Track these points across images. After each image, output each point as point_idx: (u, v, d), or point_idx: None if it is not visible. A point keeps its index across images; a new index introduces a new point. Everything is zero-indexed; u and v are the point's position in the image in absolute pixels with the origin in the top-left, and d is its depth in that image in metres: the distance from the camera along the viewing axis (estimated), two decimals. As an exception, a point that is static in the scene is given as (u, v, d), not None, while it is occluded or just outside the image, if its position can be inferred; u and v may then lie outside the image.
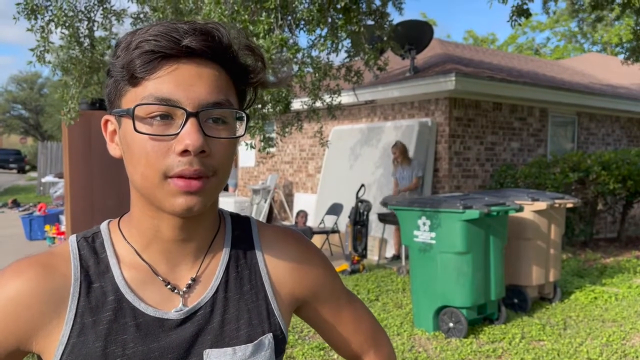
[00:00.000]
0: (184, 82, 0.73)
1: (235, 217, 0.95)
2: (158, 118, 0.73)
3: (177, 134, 0.72)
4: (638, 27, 8.11)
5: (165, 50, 0.73)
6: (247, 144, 4.73)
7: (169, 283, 0.83)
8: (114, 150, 0.82)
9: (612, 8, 7.92)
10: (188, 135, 0.71)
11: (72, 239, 0.85)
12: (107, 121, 0.83)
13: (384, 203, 7.13)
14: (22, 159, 37.28)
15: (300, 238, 0.98)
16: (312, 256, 0.97)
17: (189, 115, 0.72)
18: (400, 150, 7.62)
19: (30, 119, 46.37)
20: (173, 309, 0.81)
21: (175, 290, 0.83)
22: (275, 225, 1.01)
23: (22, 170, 36.71)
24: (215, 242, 0.88)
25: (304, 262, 0.95)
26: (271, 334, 0.87)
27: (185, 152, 0.72)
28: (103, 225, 0.87)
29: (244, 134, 0.79)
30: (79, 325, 0.77)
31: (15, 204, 15.38)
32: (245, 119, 0.80)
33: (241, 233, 0.93)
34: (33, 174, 31.56)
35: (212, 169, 0.75)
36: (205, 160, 0.74)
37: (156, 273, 0.83)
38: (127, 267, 0.82)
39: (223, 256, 0.88)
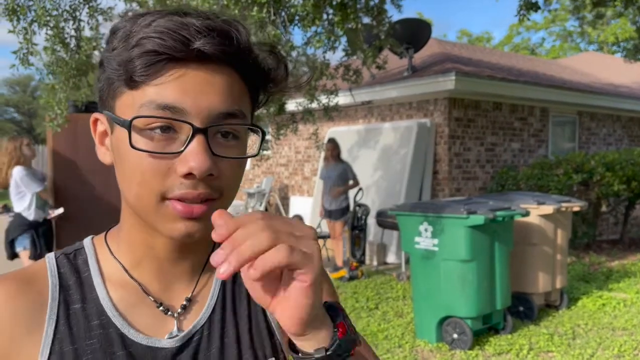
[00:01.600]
0: (193, 90, 0.62)
1: None
2: (158, 130, 0.62)
3: (181, 151, 0.62)
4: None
5: (172, 52, 0.60)
6: None
7: (161, 304, 0.72)
8: (103, 155, 0.70)
9: (614, 5, 7.75)
10: (194, 156, 0.61)
11: (50, 255, 0.74)
12: (96, 120, 0.71)
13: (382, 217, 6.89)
14: (15, 163, 36.93)
15: None
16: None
17: (196, 131, 0.61)
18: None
19: (23, 122, 46.07)
20: (167, 334, 0.71)
21: (169, 313, 0.73)
22: None
23: (15, 174, 36.38)
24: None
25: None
26: (273, 358, 0.77)
27: (189, 175, 0.61)
28: (87, 241, 0.76)
29: (258, 153, 0.68)
30: (57, 355, 0.65)
31: (6, 209, 15.10)
32: (260, 134, 0.68)
33: None
34: (26, 178, 31.18)
35: (218, 191, 0.65)
36: (212, 182, 0.63)
37: (147, 293, 0.72)
38: (115, 286, 0.72)
39: None
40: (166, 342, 0.70)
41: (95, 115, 0.71)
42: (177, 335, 0.71)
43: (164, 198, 0.63)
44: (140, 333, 0.70)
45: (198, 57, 0.62)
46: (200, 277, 0.76)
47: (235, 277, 0.78)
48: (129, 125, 0.62)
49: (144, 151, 0.62)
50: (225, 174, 0.65)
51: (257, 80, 0.69)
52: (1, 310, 0.65)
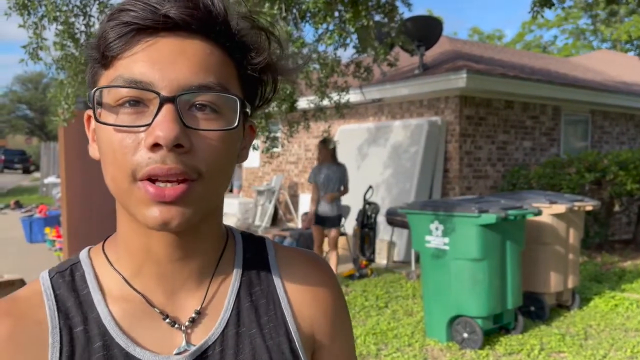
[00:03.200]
0: (162, 60, 0.59)
1: (247, 236, 0.79)
2: (127, 105, 0.59)
3: (149, 124, 0.57)
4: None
5: (140, 21, 0.58)
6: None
7: (167, 316, 0.67)
8: (93, 151, 0.66)
9: (628, 2, 7.65)
10: (160, 125, 0.56)
11: (45, 275, 0.68)
12: (89, 117, 0.68)
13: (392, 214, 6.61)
14: (27, 159, 37.33)
15: (325, 266, 0.82)
16: (337, 291, 0.81)
17: (164, 100, 0.57)
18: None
19: (35, 119, 46.46)
20: (175, 349, 0.66)
21: (176, 325, 0.67)
22: (294, 247, 0.83)
23: (27, 171, 36.72)
24: (222, 264, 0.72)
25: (328, 295, 0.78)
26: None
27: (156, 147, 0.57)
28: (83, 254, 0.71)
29: (236, 126, 0.62)
30: None
31: (18, 205, 15.24)
32: (238, 105, 0.62)
33: (255, 255, 0.76)
34: (37, 175, 31.51)
35: (195, 170, 0.58)
36: (185, 158, 0.58)
37: (151, 304, 0.67)
38: (116, 301, 0.67)
39: (233, 282, 0.72)
40: (175, 358, 0.65)
41: (88, 111, 0.67)
42: (186, 350, 0.66)
43: (135, 178, 0.58)
44: (146, 350, 0.65)
45: (168, 25, 0.59)
46: (211, 285, 0.70)
47: (252, 289, 0.73)
48: (92, 98, 0.60)
49: (109, 125, 0.59)
50: (203, 151, 0.59)
51: (237, 50, 0.64)
52: (4, 352, 0.61)
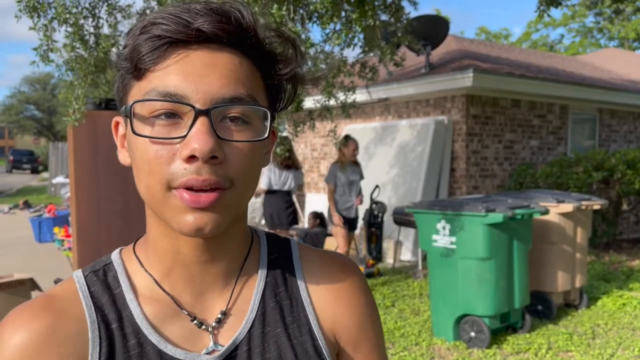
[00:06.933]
0: (194, 73, 0.60)
1: (272, 237, 0.81)
2: (163, 117, 0.61)
3: (184, 136, 0.60)
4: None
5: (173, 34, 0.60)
6: None
7: (195, 317, 0.69)
8: (123, 157, 0.69)
9: (635, 0, 7.62)
10: (196, 137, 0.58)
11: (79, 274, 0.71)
12: (117, 123, 0.71)
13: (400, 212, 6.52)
14: (35, 160, 37.59)
15: (353, 268, 0.81)
16: (365, 294, 0.80)
17: (198, 113, 0.59)
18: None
19: (43, 120, 46.71)
20: (203, 349, 0.68)
21: (204, 326, 0.69)
22: (322, 250, 0.83)
23: (35, 171, 36.96)
24: (247, 265, 0.74)
25: (356, 298, 0.79)
26: None
27: (192, 158, 0.59)
28: (115, 255, 0.73)
29: (267, 136, 0.65)
30: None
31: (27, 205, 15.34)
32: (269, 117, 0.64)
33: (279, 256, 0.78)
34: (46, 175, 31.70)
35: (227, 179, 0.61)
36: (219, 169, 0.60)
37: (180, 306, 0.69)
38: (147, 301, 0.69)
39: (258, 283, 0.74)
40: (205, 358, 0.67)
41: (116, 118, 0.70)
42: (214, 350, 0.68)
43: (170, 187, 0.60)
44: (177, 348, 0.67)
45: (199, 38, 0.61)
46: (235, 287, 0.72)
47: (277, 289, 0.75)
48: (129, 111, 0.62)
49: (145, 137, 0.61)
50: (235, 160, 0.61)
51: (265, 61, 0.67)
52: (46, 342, 0.63)
